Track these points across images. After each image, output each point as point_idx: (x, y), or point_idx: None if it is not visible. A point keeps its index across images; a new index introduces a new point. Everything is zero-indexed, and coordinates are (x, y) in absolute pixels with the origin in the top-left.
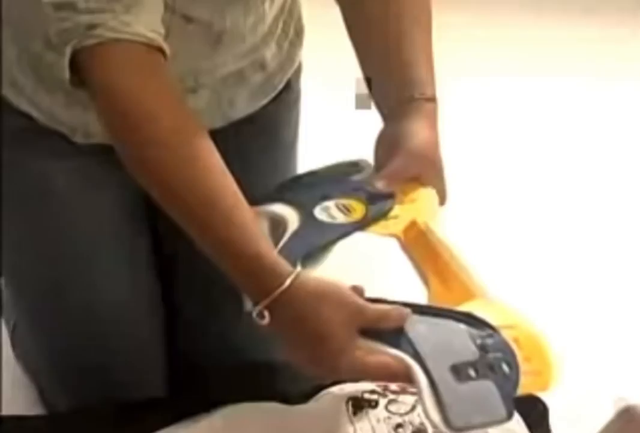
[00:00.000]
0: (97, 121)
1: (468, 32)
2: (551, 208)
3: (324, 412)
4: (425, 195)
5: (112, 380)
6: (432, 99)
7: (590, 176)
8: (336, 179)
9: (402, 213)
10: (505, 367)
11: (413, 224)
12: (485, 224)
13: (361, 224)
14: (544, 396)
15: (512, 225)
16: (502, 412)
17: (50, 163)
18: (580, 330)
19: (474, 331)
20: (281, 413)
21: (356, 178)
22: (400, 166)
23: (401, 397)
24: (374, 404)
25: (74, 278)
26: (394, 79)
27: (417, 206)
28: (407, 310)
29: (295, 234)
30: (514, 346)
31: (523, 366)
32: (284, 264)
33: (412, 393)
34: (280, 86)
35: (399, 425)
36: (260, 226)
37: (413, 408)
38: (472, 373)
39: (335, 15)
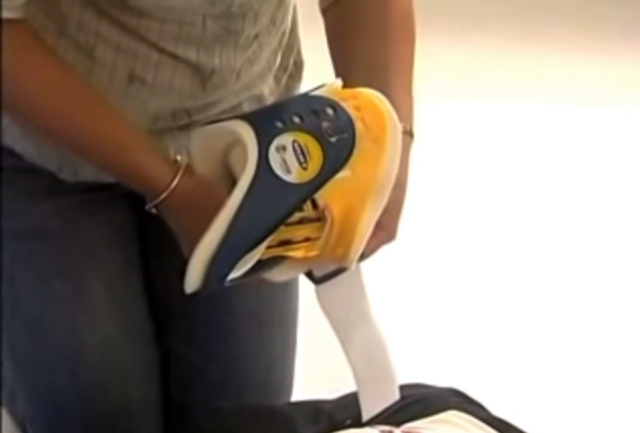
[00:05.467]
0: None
1: (450, 56)
2: (534, 231)
3: None
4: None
5: (100, 425)
6: (406, 133)
7: (571, 196)
8: (297, 96)
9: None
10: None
11: None
12: (472, 239)
13: (314, 185)
14: None
15: (494, 244)
16: None
17: (38, 203)
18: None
19: None
20: None
21: (317, 92)
22: None
23: None
24: None
25: (60, 319)
26: None
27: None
28: None
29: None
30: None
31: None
32: (161, 169)
33: None
34: None
35: None
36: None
37: None
38: None
39: None
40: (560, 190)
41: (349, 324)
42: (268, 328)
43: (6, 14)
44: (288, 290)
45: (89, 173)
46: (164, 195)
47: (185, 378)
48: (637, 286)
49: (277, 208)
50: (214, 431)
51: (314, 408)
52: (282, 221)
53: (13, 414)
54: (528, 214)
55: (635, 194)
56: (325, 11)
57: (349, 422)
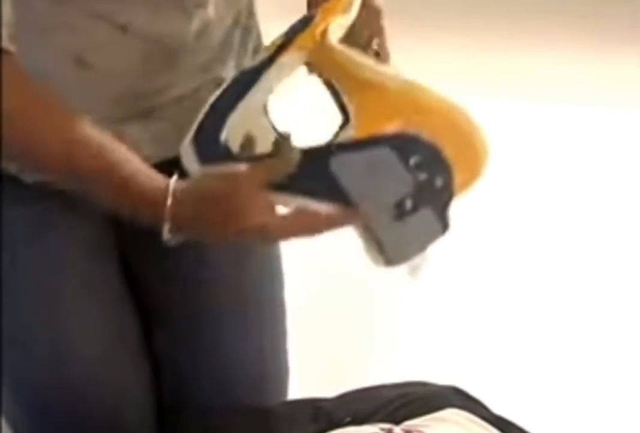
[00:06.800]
0: None
1: (444, 55)
2: (533, 229)
3: None
4: None
5: (90, 430)
6: None
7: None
8: None
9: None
10: (439, 182)
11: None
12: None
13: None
14: None
15: (493, 243)
16: (439, 231)
17: (8, 209)
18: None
19: (404, 151)
20: None
21: None
22: None
23: None
24: None
25: (40, 328)
26: None
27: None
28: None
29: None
30: (443, 147)
31: (455, 165)
32: (151, 184)
33: None
34: None
35: None
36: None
37: None
38: (409, 205)
39: None
40: (557, 188)
41: None
42: (256, 321)
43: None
44: (274, 277)
45: None
46: (167, 220)
47: (176, 378)
48: (637, 285)
49: None
50: (211, 431)
51: (313, 407)
52: None
53: (6, 418)
54: (526, 213)
55: (633, 192)
56: None
57: (348, 419)
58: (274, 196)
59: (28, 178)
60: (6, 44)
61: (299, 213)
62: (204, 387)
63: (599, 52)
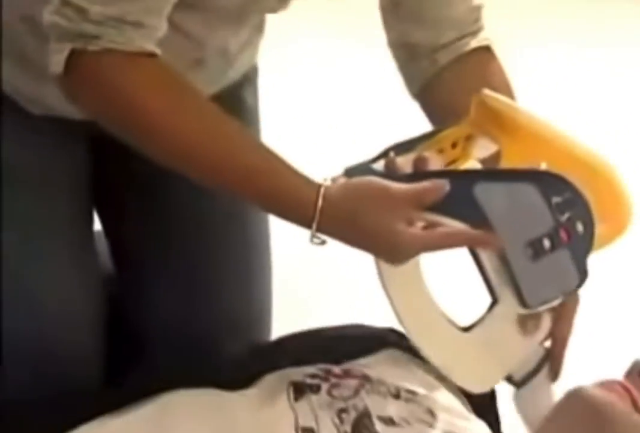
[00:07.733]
0: (56, 95)
1: None
2: None
3: (264, 398)
4: None
5: (47, 370)
6: None
7: None
8: None
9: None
10: (579, 226)
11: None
12: None
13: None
14: None
15: None
16: (576, 279)
17: (4, 139)
18: None
19: (547, 190)
20: (218, 400)
21: None
22: None
23: (344, 381)
24: (315, 389)
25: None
26: None
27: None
28: (442, 181)
29: None
30: (587, 195)
31: (598, 214)
32: (305, 187)
33: (355, 377)
34: (243, 69)
35: (342, 410)
36: None
37: (356, 392)
38: (547, 244)
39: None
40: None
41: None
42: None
43: (149, 47)
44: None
45: (59, 109)
46: (316, 219)
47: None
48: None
49: None
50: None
51: (253, 349)
52: None
53: None
54: None
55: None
56: (419, 95)
57: (287, 361)
58: (417, 213)
59: (38, 110)
60: (150, 47)
61: (438, 229)
62: (195, 328)
63: None
